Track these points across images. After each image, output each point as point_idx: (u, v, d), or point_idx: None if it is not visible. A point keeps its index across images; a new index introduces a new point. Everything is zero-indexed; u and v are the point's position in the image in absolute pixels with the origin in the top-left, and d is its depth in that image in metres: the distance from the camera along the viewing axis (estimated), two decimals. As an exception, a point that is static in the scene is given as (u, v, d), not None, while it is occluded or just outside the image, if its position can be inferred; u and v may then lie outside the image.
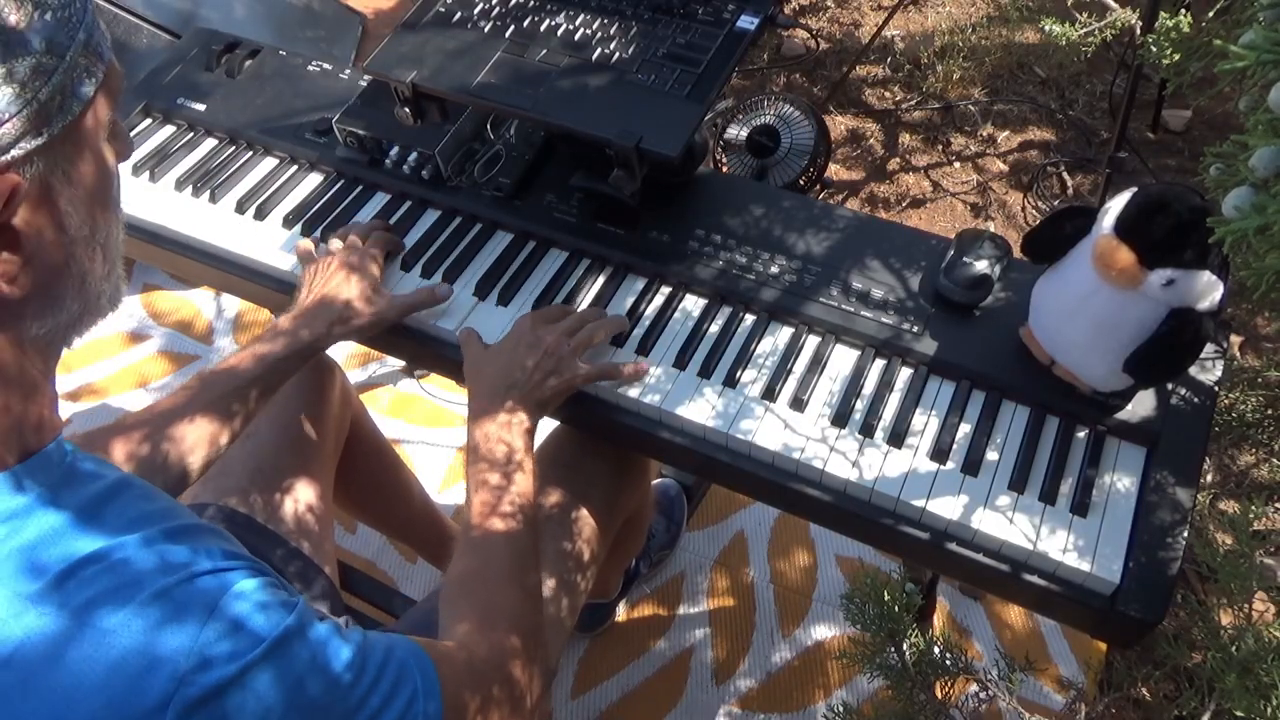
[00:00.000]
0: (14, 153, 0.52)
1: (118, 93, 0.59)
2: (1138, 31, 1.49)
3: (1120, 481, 0.94)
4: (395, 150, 1.22)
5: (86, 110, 0.56)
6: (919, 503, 0.93)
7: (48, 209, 0.55)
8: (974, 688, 0.94)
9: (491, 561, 0.85)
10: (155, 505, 0.60)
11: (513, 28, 1.13)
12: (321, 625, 0.61)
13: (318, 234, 1.20)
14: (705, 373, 1.03)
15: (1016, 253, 1.06)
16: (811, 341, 1.06)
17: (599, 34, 1.11)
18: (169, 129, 1.35)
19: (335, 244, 1.12)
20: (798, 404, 1.00)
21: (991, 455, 0.96)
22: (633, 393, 1.02)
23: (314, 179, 1.27)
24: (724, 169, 2.03)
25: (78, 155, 0.56)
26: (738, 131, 2.02)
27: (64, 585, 0.53)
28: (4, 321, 0.56)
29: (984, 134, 2.37)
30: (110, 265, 0.62)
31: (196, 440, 0.90)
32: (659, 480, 1.72)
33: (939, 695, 0.93)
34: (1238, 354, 1.84)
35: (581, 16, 1.13)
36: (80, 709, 0.51)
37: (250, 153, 1.31)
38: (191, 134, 1.34)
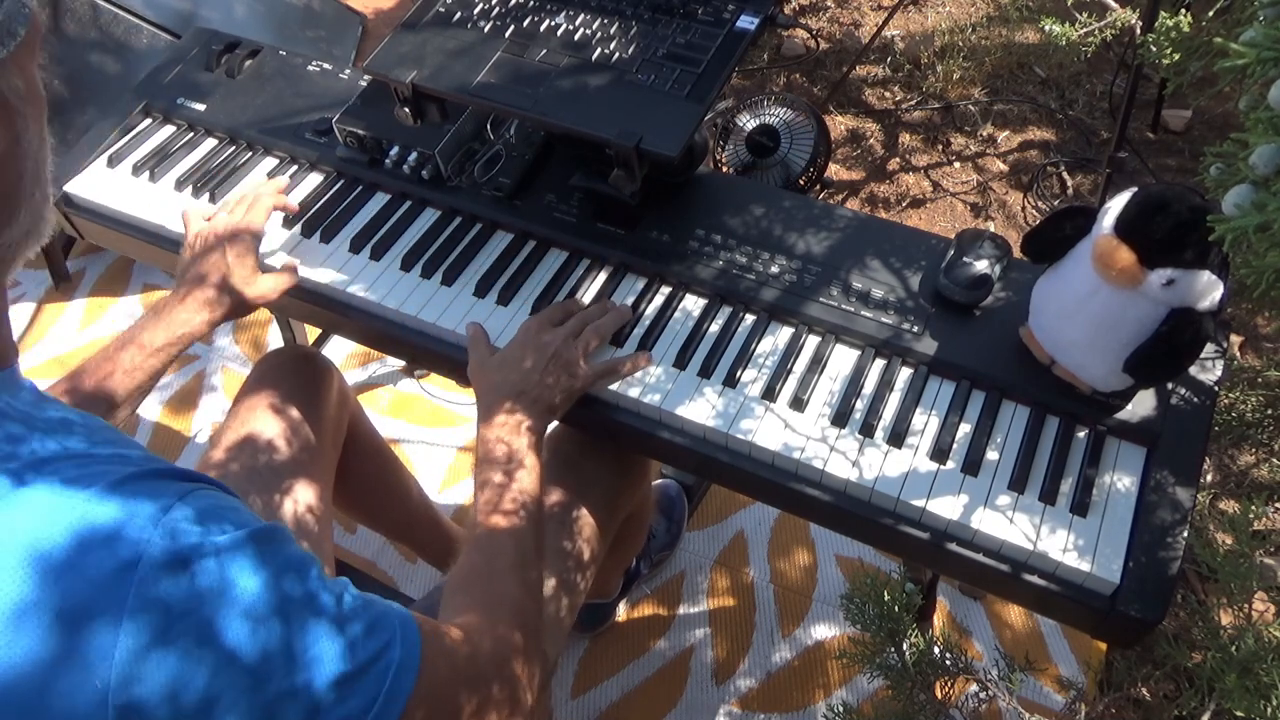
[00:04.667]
0: None
1: (38, 36, 0.60)
2: (1138, 31, 1.49)
3: (1120, 481, 0.94)
4: (395, 150, 1.22)
5: (27, 33, 0.57)
6: (919, 503, 0.93)
7: (7, 122, 0.56)
8: (974, 688, 0.94)
9: (495, 559, 0.85)
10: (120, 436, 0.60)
11: (513, 28, 1.13)
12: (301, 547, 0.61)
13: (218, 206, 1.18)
14: (705, 373, 1.03)
15: (1016, 253, 1.06)
16: (811, 341, 1.06)
17: (599, 34, 1.11)
18: (169, 129, 1.35)
19: (220, 217, 1.11)
20: (798, 404, 1.00)
21: (991, 455, 0.96)
22: (633, 393, 1.02)
23: (314, 179, 1.27)
24: (724, 169, 2.03)
25: (25, 77, 0.57)
26: (738, 132, 2.03)
27: (32, 469, 0.52)
28: None
29: (984, 134, 2.37)
30: (47, 188, 0.63)
31: None
32: (659, 480, 1.72)
33: (939, 695, 0.93)
34: (1238, 354, 1.84)
35: (581, 16, 1.13)
36: (50, 570, 0.50)
37: (250, 153, 1.31)
38: (191, 134, 1.34)
